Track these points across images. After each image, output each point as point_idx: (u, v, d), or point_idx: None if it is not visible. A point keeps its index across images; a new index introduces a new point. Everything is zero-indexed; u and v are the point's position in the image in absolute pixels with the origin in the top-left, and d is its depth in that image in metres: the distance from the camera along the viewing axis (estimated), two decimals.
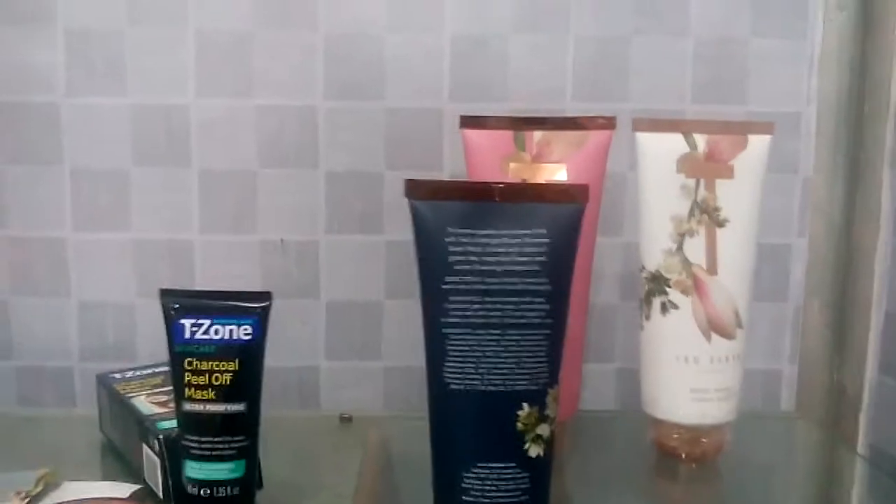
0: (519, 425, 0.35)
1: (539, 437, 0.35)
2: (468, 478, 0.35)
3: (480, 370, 0.34)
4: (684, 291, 0.48)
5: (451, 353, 0.35)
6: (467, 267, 0.34)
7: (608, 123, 0.49)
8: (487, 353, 0.34)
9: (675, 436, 0.50)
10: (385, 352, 0.64)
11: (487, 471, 0.35)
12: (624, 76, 0.62)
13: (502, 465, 0.35)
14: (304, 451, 0.52)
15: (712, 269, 0.48)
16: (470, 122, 0.49)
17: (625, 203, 0.62)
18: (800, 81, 0.63)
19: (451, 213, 0.34)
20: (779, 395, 0.66)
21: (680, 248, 0.48)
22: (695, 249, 0.48)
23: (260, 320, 0.39)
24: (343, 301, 0.63)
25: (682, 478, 0.50)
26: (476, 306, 0.34)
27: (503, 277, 0.34)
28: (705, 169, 0.47)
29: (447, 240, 0.34)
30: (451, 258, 0.34)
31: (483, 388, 0.34)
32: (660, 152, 0.48)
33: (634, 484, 0.50)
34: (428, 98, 0.61)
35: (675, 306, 0.48)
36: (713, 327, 0.48)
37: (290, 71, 0.61)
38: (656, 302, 0.49)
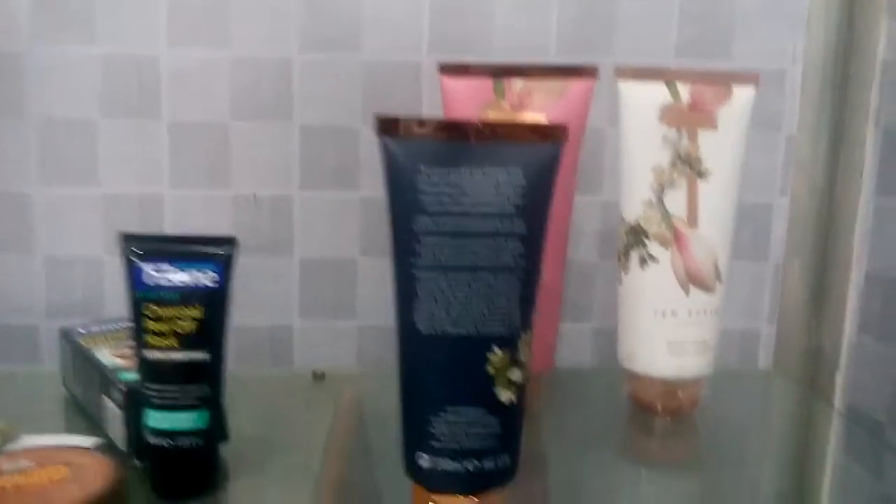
0: (489, 369, 0.34)
1: (510, 381, 0.34)
2: (436, 421, 0.34)
3: (451, 313, 0.33)
4: (663, 244, 0.47)
5: (421, 296, 0.33)
6: (439, 207, 0.33)
7: (590, 73, 0.47)
8: (458, 296, 0.33)
9: (652, 389, 0.49)
10: (360, 310, 0.63)
11: (456, 414, 0.34)
12: (608, 32, 0.60)
13: (472, 408, 0.34)
14: (274, 408, 0.51)
15: (692, 221, 0.47)
16: (449, 69, 0.47)
17: (605, 161, 0.61)
18: (785, 40, 0.62)
19: (423, 152, 0.33)
20: (756, 354, 0.65)
21: (660, 199, 0.47)
22: (675, 201, 0.47)
23: (224, 266, 0.38)
24: (317, 258, 0.62)
25: (657, 432, 0.50)
26: (448, 248, 0.33)
27: (477, 219, 0.33)
28: (688, 119, 0.46)
29: (419, 179, 0.33)
30: (423, 198, 0.33)
31: (454, 331, 0.33)
32: (642, 101, 0.47)
33: (610, 438, 0.50)
34: (406, 52, 0.60)
35: (654, 259, 0.47)
36: (692, 280, 0.47)
37: (265, 22, 0.59)
38: (635, 255, 0.48)
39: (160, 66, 0.59)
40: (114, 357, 0.45)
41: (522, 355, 0.35)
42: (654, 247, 0.47)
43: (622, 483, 0.46)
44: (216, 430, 0.39)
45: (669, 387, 0.49)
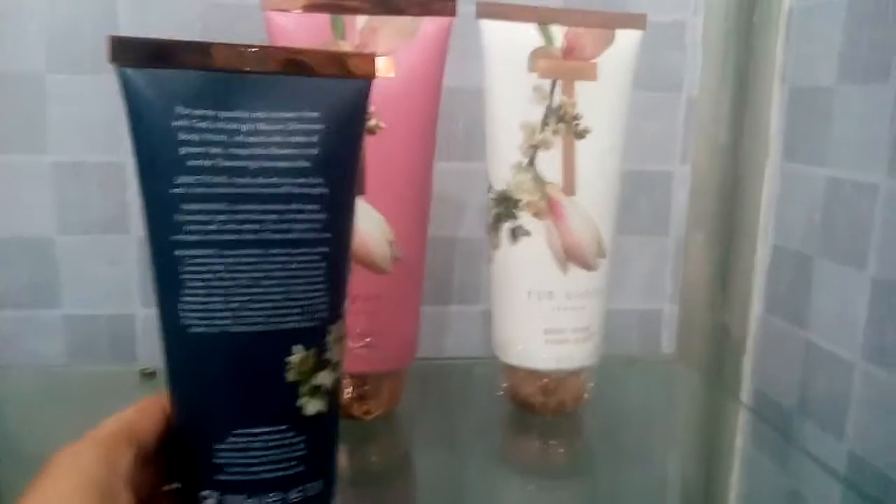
0: (290, 375, 0.26)
1: (318, 388, 0.27)
2: (222, 451, 0.26)
3: (232, 305, 0.25)
4: (537, 215, 0.40)
5: (190, 285, 0.25)
6: (207, 163, 0.25)
7: (447, 9, 0.40)
8: (241, 282, 0.25)
9: (528, 384, 0.42)
10: None
11: (248, 439, 0.26)
12: None
13: (268, 427, 0.26)
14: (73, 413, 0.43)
15: (570, 188, 0.40)
16: (276, 3, 0.39)
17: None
18: None
19: (181, 87, 0.24)
20: (659, 336, 0.60)
21: (532, 162, 0.40)
22: (549, 165, 0.40)
23: None
24: None
25: (535, 432, 0.43)
26: (222, 217, 0.25)
27: (260, 177, 0.25)
28: (563, 68, 0.40)
29: (176, 124, 0.24)
30: (183, 150, 0.24)
31: (236, 328, 0.25)
32: (509, 45, 0.40)
33: (480, 439, 0.43)
34: None
35: (527, 232, 0.41)
36: (570, 257, 0.41)
37: None
38: (505, 227, 0.41)
39: None
40: None
41: (333, 353, 0.27)
42: (526, 218, 0.40)
43: (491, 491, 0.39)
44: None
45: (549, 381, 0.42)
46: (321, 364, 0.27)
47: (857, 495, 0.40)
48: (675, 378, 0.57)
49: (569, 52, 0.40)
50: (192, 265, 0.25)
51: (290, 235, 0.25)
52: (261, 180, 0.25)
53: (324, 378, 0.27)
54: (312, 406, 0.27)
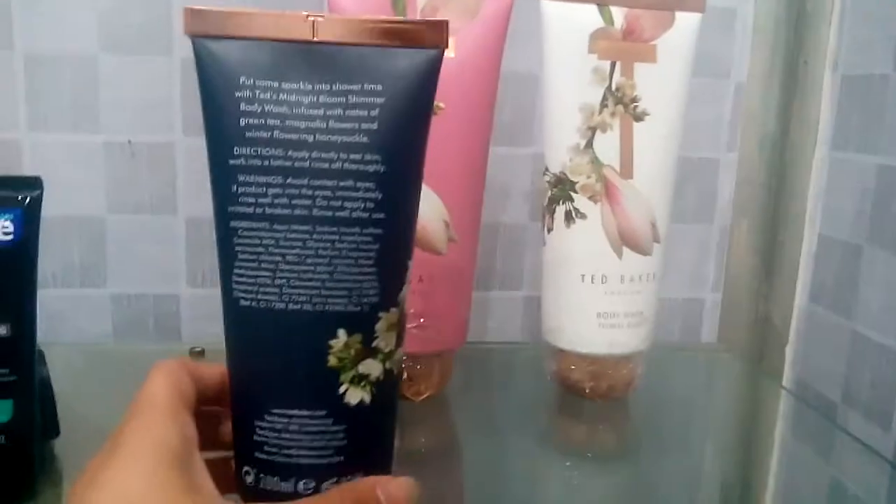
0: (331, 359, 0.25)
1: (362, 377, 0.25)
2: (262, 428, 0.25)
3: (278, 281, 0.25)
4: (593, 197, 0.40)
5: (242, 258, 0.25)
6: (265, 135, 0.24)
7: None
8: (289, 258, 0.24)
9: (578, 368, 0.42)
10: None
11: (286, 419, 0.25)
12: None
13: (307, 411, 0.25)
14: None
15: (627, 171, 0.40)
16: None
17: (536, 108, 0.54)
18: None
19: (247, 57, 0.24)
20: (700, 326, 0.60)
21: (589, 144, 0.40)
22: (607, 147, 0.40)
23: (25, 214, 0.29)
24: (206, 217, 0.53)
25: (585, 417, 0.43)
26: (275, 190, 0.24)
27: (316, 151, 0.24)
28: (623, 49, 0.39)
29: (239, 94, 0.24)
30: (244, 121, 0.24)
31: (281, 305, 0.25)
32: (569, 26, 0.39)
33: (530, 424, 0.43)
34: None
35: (582, 215, 0.40)
36: (625, 241, 0.41)
37: None
38: (560, 210, 0.41)
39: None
40: None
41: (383, 342, 0.25)
42: (581, 201, 0.40)
43: (541, 474, 0.39)
44: (29, 424, 0.31)
45: (600, 365, 0.42)
46: (368, 352, 0.25)
47: None
48: (718, 366, 0.57)
49: (629, 33, 0.39)
50: (244, 237, 0.24)
51: (340, 213, 0.24)
52: (316, 154, 0.24)
53: (370, 367, 0.25)
54: (355, 395, 0.25)
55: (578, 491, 0.37)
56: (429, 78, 0.25)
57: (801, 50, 0.54)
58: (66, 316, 0.53)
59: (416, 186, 0.26)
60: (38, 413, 0.32)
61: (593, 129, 0.40)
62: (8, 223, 0.29)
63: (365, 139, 0.24)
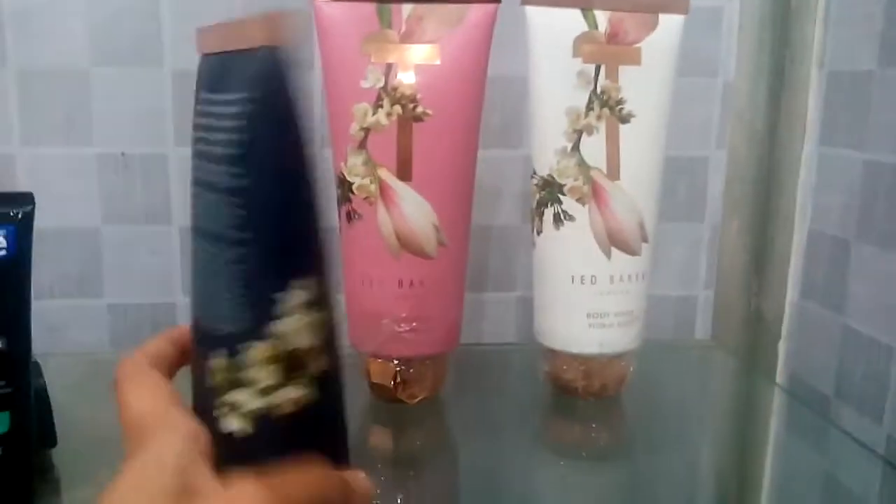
0: (209, 379, 0.23)
1: (233, 406, 0.23)
2: None
3: (192, 291, 0.24)
4: (581, 200, 0.41)
5: (190, 270, 0.25)
6: (197, 147, 0.24)
7: None
8: (193, 269, 0.24)
9: (570, 368, 0.43)
10: None
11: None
12: None
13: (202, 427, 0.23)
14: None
15: (614, 173, 0.41)
16: None
17: (527, 110, 0.54)
18: None
19: (201, 69, 0.24)
20: (693, 322, 0.60)
21: (576, 147, 0.40)
22: (594, 149, 0.40)
23: (18, 230, 0.30)
24: None
25: (578, 416, 0.44)
26: (193, 201, 0.24)
27: (205, 161, 0.23)
28: (607, 53, 0.40)
29: (197, 108, 0.24)
30: (195, 135, 0.24)
31: (194, 314, 0.24)
32: (553, 31, 0.40)
33: (522, 424, 0.44)
34: None
35: (570, 217, 0.41)
36: (614, 241, 0.41)
37: None
38: (549, 213, 0.42)
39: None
40: None
41: (257, 373, 0.23)
42: (569, 203, 0.41)
43: (536, 474, 0.40)
44: (26, 435, 0.32)
45: (591, 365, 0.43)
46: (237, 381, 0.23)
47: None
48: (711, 363, 0.57)
49: (612, 36, 0.40)
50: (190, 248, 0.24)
51: (213, 229, 0.23)
52: (204, 165, 0.23)
53: (241, 397, 0.23)
54: (227, 423, 0.23)
55: (573, 489, 0.38)
56: (280, 79, 0.22)
57: (787, 48, 0.54)
58: (63, 327, 0.54)
59: (293, 205, 0.23)
60: (35, 424, 0.32)
61: (580, 132, 0.40)
62: (1, 238, 0.29)
63: (233, 150, 0.22)
